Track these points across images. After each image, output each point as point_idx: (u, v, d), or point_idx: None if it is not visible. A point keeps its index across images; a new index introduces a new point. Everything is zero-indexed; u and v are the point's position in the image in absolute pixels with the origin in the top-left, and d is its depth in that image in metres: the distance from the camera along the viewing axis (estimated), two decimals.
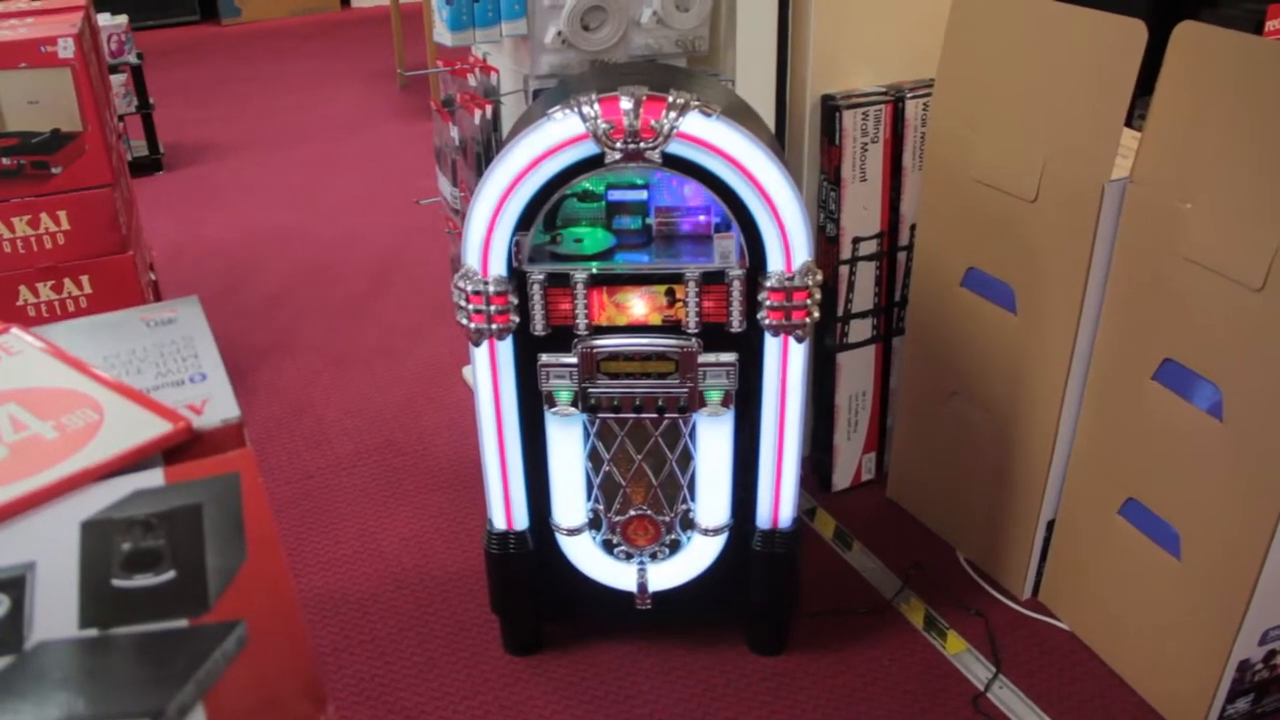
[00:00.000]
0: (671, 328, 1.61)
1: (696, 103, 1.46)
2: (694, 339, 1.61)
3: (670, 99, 1.45)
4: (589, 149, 1.48)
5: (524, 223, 1.54)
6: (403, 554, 2.19)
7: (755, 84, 2.04)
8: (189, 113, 5.16)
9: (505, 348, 1.63)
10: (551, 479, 1.74)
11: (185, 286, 3.34)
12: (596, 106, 1.45)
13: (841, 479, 2.35)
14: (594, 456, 1.72)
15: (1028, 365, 1.89)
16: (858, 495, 2.35)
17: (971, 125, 1.90)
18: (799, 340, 1.61)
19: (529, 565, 1.81)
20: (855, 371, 2.26)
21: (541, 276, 1.57)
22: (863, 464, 2.36)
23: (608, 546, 1.80)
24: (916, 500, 2.27)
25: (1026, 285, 1.85)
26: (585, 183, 1.59)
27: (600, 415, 1.67)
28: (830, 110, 2.03)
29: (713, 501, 1.75)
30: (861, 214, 2.11)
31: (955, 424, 2.09)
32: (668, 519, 1.77)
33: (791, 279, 1.55)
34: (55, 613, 0.69)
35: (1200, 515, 1.66)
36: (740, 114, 1.56)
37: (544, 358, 1.63)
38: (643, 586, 1.81)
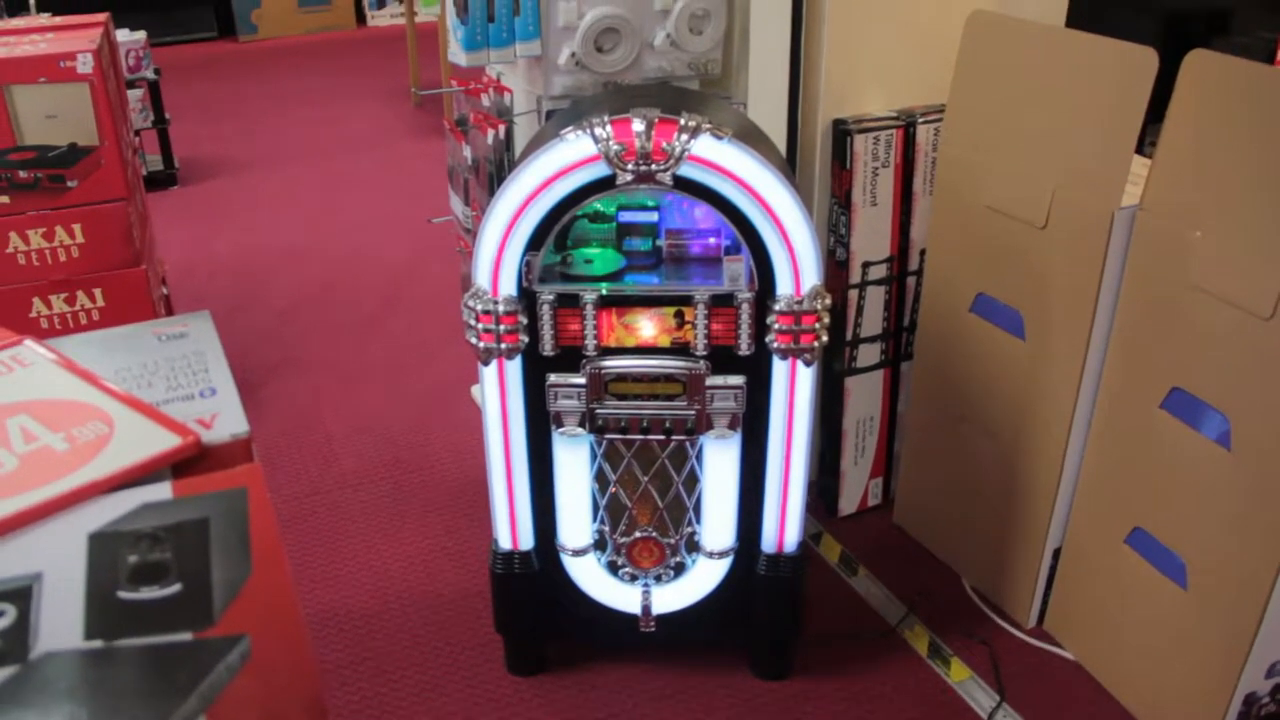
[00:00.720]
0: (680, 350, 1.61)
1: (708, 125, 1.46)
2: (702, 361, 1.61)
3: (682, 121, 1.46)
4: (601, 170, 1.49)
5: (535, 243, 1.55)
6: (407, 572, 2.19)
7: (767, 107, 2.05)
8: (204, 128, 5.20)
9: (514, 367, 1.63)
10: (558, 499, 1.74)
11: (197, 301, 3.36)
12: (609, 128, 1.46)
13: (848, 504, 2.35)
14: (600, 477, 1.72)
15: (1036, 392, 1.88)
16: (864, 521, 2.35)
17: (982, 151, 1.90)
18: (807, 364, 1.61)
19: (533, 585, 1.81)
20: (863, 396, 2.26)
21: (551, 297, 1.58)
22: (869, 489, 2.36)
23: (612, 568, 1.79)
24: (923, 526, 2.26)
25: (1035, 312, 1.85)
26: (596, 204, 1.59)
27: (607, 436, 1.67)
28: (841, 134, 2.04)
29: (718, 524, 1.75)
30: (871, 238, 2.12)
31: (963, 450, 2.08)
32: (673, 541, 1.77)
33: (800, 303, 1.55)
34: (61, 624, 0.69)
35: (1207, 545, 1.65)
36: (752, 137, 1.57)
37: (552, 378, 1.63)
38: (647, 609, 1.80)
